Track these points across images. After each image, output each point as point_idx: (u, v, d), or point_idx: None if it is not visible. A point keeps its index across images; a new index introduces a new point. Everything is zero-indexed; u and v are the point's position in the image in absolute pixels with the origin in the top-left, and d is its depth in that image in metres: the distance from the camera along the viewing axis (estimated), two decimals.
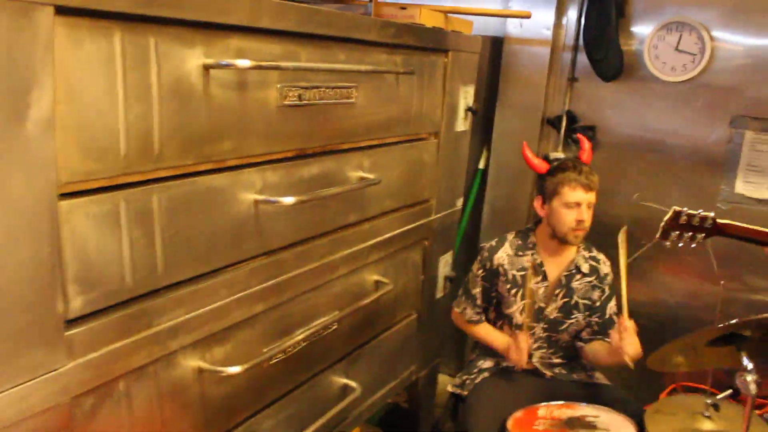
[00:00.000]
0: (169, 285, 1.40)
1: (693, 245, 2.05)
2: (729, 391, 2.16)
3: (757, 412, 2.27)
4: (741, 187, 2.73)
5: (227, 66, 1.38)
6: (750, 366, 1.80)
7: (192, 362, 1.51)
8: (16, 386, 1.13)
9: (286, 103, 1.58)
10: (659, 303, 2.94)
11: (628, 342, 2.22)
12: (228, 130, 1.45)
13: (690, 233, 2.04)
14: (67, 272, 1.18)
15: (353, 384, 2.14)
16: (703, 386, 2.58)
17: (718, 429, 2.17)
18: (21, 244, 1.08)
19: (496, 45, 2.89)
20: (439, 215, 2.50)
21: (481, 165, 3.02)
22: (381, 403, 2.45)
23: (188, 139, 1.35)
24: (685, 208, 2.01)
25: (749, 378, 1.78)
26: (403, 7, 2.08)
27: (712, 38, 2.69)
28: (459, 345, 3.23)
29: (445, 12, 2.19)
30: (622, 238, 2.29)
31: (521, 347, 2.36)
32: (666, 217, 2.02)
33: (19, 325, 1.11)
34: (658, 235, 2.05)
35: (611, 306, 2.47)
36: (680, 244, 2.04)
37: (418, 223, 2.36)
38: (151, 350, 1.38)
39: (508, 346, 2.41)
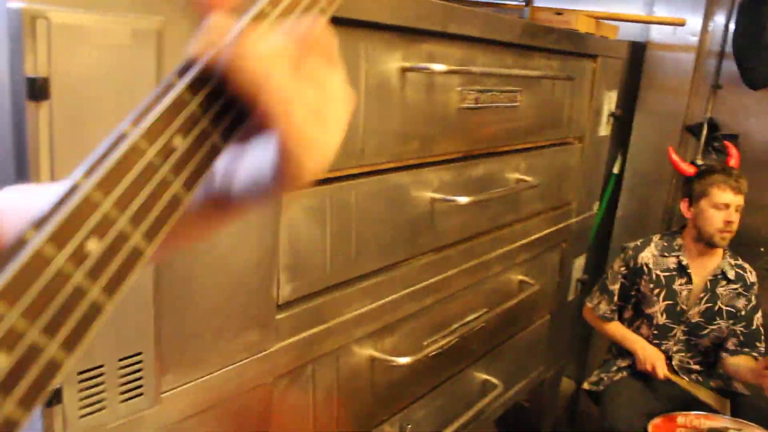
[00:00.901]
0: (359, 276, 1.47)
1: None
2: None
3: None
4: None
5: (423, 69, 1.44)
6: None
7: (367, 351, 1.59)
8: (236, 363, 1.22)
9: (464, 105, 1.64)
10: None
11: None
12: (416, 131, 1.51)
13: None
14: (282, 260, 1.26)
15: (495, 380, 2.18)
16: None
17: None
18: (252, 231, 1.17)
19: (637, 50, 2.87)
20: (578, 218, 2.51)
21: (616, 170, 3.00)
22: (513, 401, 2.48)
23: (384, 138, 1.42)
24: None
25: None
26: (559, 13, 2.10)
27: None
28: (581, 349, 3.23)
29: (597, 18, 2.20)
30: None
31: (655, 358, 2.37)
32: None
33: (244, 307, 1.20)
34: None
35: (758, 317, 2.43)
36: None
37: (560, 226, 2.38)
38: (338, 337, 1.46)
39: (643, 352, 2.42)
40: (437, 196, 1.63)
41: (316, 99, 0.39)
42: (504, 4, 2.28)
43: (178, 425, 1.14)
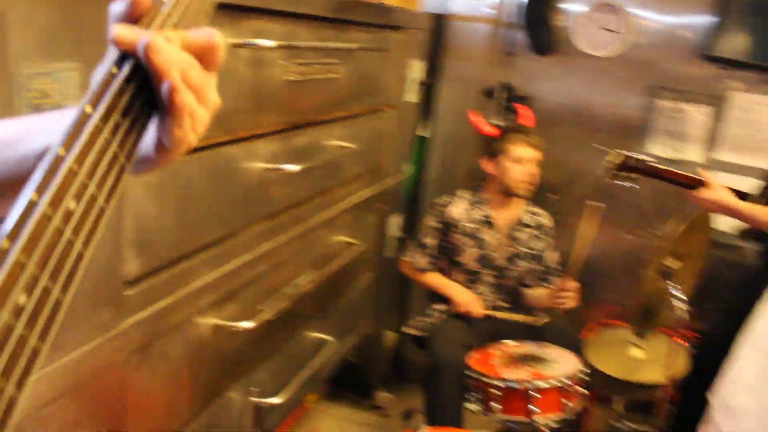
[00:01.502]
0: (200, 247, 1.52)
1: (631, 185, 2.33)
2: None
3: (679, 340, 2.61)
4: (653, 148, 3.08)
5: (251, 45, 1.50)
6: (680, 293, 2.11)
7: (211, 320, 1.64)
8: (90, 343, 1.24)
9: (290, 78, 1.72)
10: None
11: (569, 297, 2.56)
12: (246, 105, 1.58)
13: (633, 174, 2.31)
14: (127, 237, 1.29)
15: (328, 338, 2.31)
16: (616, 322, 2.95)
17: (645, 353, 2.53)
18: None
19: (440, 21, 3.09)
20: (391, 180, 2.69)
21: (425, 134, 3.22)
22: (344, 357, 2.63)
23: (220, 113, 1.47)
24: (632, 153, 2.29)
25: (681, 305, 2.10)
26: None
27: (631, 18, 2.99)
28: (401, 303, 3.45)
29: None
30: (591, 211, 2.56)
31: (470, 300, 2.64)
32: (613, 159, 2.28)
33: (94, 287, 1.22)
34: (607, 177, 2.31)
35: (553, 256, 2.77)
36: (624, 183, 2.31)
37: (376, 188, 2.53)
38: (185, 309, 1.50)
39: (459, 296, 2.67)
40: (268, 165, 1.70)
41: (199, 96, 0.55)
42: None
43: (37, 413, 1.14)
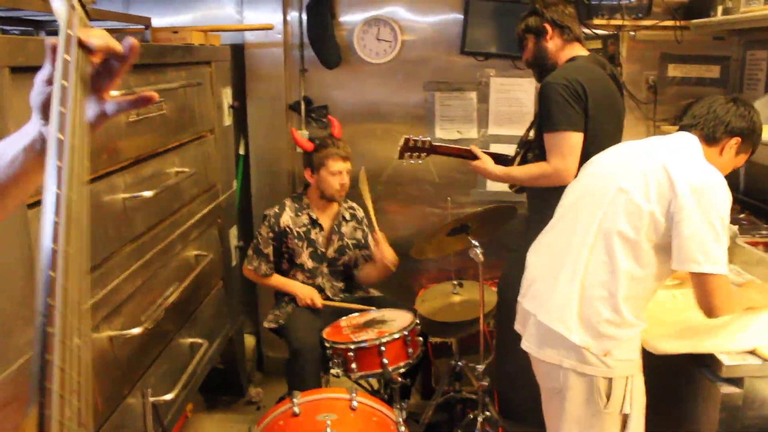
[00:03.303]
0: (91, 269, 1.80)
1: (420, 162, 2.86)
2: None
3: (488, 283, 3.18)
4: (439, 133, 3.67)
5: None
6: (476, 243, 2.64)
7: (105, 333, 1.92)
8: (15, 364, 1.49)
9: (130, 120, 2.03)
10: (400, 227, 3.78)
11: (384, 249, 3.06)
12: (100, 147, 1.87)
13: (417, 153, 2.84)
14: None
15: (199, 340, 2.62)
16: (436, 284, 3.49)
17: (464, 298, 3.07)
18: (13, 248, 1.46)
19: (238, 51, 3.46)
20: (224, 196, 3.03)
21: (242, 151, 3.58)
22: (213, 362, 2.93)
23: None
24: (411, 135, 2.81)
25: (477, 251, 2.63)
26: (175, 31, 2.55)
27: (401, 27, 3.56)
28: (252, 308, 3.79)
29: (205, 31, 2.71)
30: (362, 177, 3.10)
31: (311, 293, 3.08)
32: (400, 143, 2.80)
33: (18, 309, 1.48)
34: (397, 156, 2.82)
35: (371, 239, 3.24)
36: (411, 161, 2.83)
37: (212, 204, 2.87)
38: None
39: (301, 291, 3.07)
40: (127, 195, 2.00)
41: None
42: (125, 29, 2.65)
43: None
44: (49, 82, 0.84)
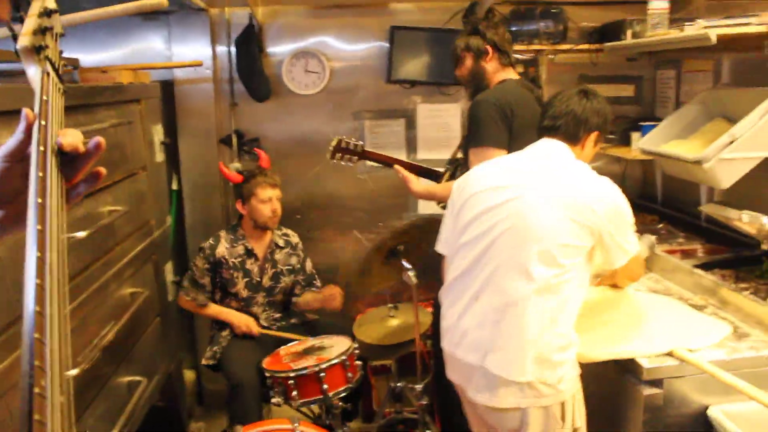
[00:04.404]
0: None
1: (351, 164, 2.98)
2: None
3: (422, 305, 3.26)
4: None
5: None
6: (409, 266, 2.72)
7: None
8: None
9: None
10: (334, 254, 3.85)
11: (338, 301, 3.17)
12: None
13: (348, 155, 2.92)
14: None
15: (138, 378, 2.61)
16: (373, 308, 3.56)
17: (400, 321, 3.14)
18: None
19: (167, 88, 3.48)
20: (158, 232, 3.03)
21: (175, 186, 3.59)
22: (152, 399, 2.91)
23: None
24: (344, 137, 2.90)
25: (410, 274, 2.71)
26: (104, 71, 2.57)
27: (328, 58, 3.66)
28: (191, 343, 3.78)
29: (134, 69, 2.74)
30: None
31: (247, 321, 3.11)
32: (333, 143, 2.87)
33: None
34: (328, 156, 2.90)
35: (309, 265, 3.29)
36: (342, 163, 2.92)
37: (147, 241, 2.87)
38: (18, 370, 1.77)
39: (237, 320, 3.10)
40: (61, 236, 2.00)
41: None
42: None
43: None
44: (11, 156, 0.86)
